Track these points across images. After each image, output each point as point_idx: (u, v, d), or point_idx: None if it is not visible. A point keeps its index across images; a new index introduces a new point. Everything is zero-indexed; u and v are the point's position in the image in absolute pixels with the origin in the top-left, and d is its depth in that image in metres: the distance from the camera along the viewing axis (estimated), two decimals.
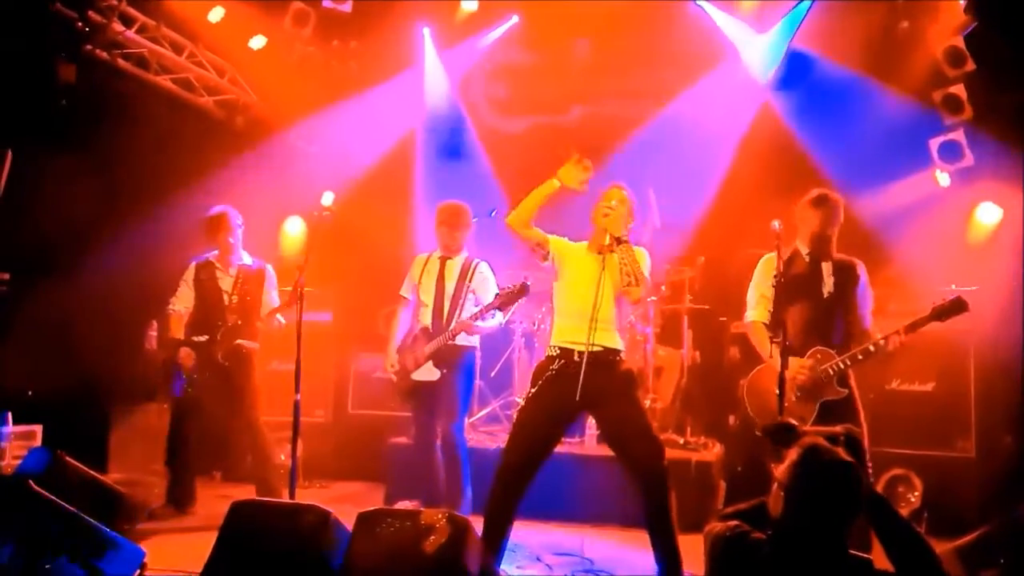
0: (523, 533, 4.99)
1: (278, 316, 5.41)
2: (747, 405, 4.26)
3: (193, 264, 5.56)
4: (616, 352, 3.97)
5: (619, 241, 3.88)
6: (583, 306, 3.91)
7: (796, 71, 6.58)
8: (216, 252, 5.54)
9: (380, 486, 5.89)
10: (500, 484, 3.97)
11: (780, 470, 2.46)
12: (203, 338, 5.39)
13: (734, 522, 2.58)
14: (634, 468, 3.91)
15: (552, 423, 3.97)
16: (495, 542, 3.91)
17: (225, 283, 5.48)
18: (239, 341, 5.38)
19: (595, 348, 3.87)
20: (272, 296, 5.55)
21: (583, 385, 3.84)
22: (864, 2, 6.32)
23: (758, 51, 6.70)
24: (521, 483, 3.95)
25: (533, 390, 3.96)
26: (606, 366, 3.92)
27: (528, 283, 4.51)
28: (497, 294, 4.75)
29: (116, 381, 6.43)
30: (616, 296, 3.97)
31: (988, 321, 5.46)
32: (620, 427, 3.92)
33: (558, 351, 3.96)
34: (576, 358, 3.88)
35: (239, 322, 5.40)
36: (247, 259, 5.59)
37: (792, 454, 2.46)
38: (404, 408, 5.44)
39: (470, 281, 5.06)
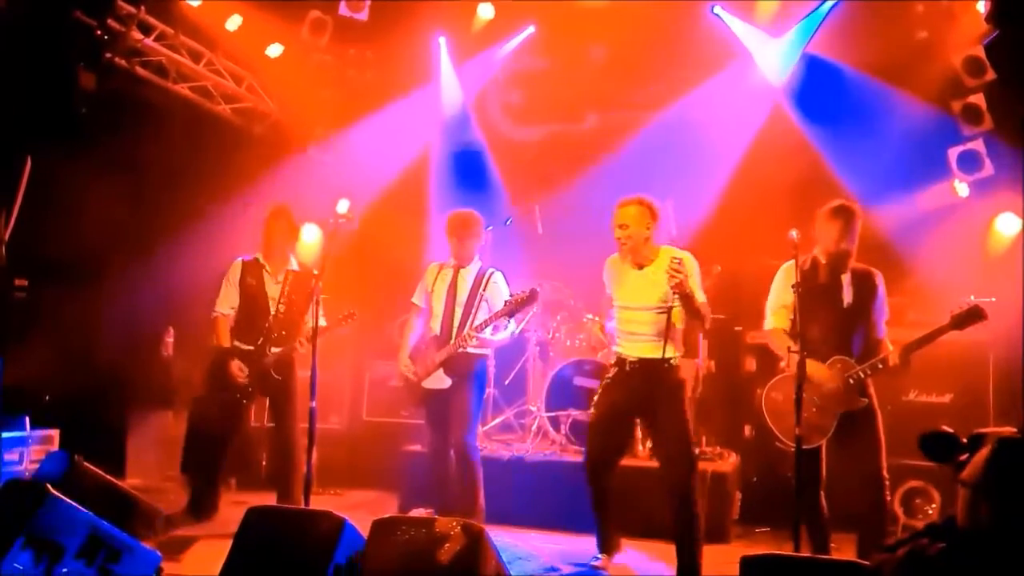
0: (538, 542, 4.99)
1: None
2: (767, 419, 4.23)
3: (239, 262, 5.35)
4: (665, 361, 4.24)
5: (687, 297, 4.08)
6: (635, 318, 4.30)
7: (813, 75, 6.56)
8: (262, 253, 5.36)
9: (394, 493, 5.89)
10: (589, 482, 4.39)
11: (968, 472, 2.25)
12: (250, 347, 5.25)
13: (905, 547, 2.33)
14: (663, 475, 4.26)
15: (615, 424, 4.38)
16: (602, 533, 4.44)
17: (272, 290, 5.30)
18: (287, 350, 5.25)
19: (644, 358, 4.25)
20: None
21: (633, 391, 4.26)
22: (882, 9, 6.31)
23: (773, 55, 6.68)
24: (603, 478, 4.37)
25: (597, 395, 4.44)
26: (654, 374, 4.24)
27: (538, 290, 4.64)
28: (506, 301, 4.76)
29: (133, 387, 6.47)
30: (663, 310, 4.25)
31: (1007, 332, 5.40)
32: (658, 434, 4.34)
33: (615, 359, 4.40)
34: (627, 367, 4.29)
35: (285, 332, 5.26)
36: (294, 263, 5.44)
37: (983, 452, 2.24)
38: (418, 416, 5.43)
39: (484, 290, 5.03)
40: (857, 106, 6.41)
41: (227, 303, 5.32)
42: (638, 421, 4.76)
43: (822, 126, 6.56)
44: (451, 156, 7.57)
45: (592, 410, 4.47)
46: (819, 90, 6.58)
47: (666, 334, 4.20)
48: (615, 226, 4.32)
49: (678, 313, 4.22)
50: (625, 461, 4.85)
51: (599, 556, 4.56)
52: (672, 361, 4.27)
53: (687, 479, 4.17)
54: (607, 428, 4.38)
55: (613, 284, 4.46)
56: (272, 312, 5.28)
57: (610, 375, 4.37)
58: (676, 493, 4.18)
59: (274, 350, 5.24)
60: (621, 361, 4.31)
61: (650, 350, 4.22)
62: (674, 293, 4.05)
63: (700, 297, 4.21)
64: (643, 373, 4.24)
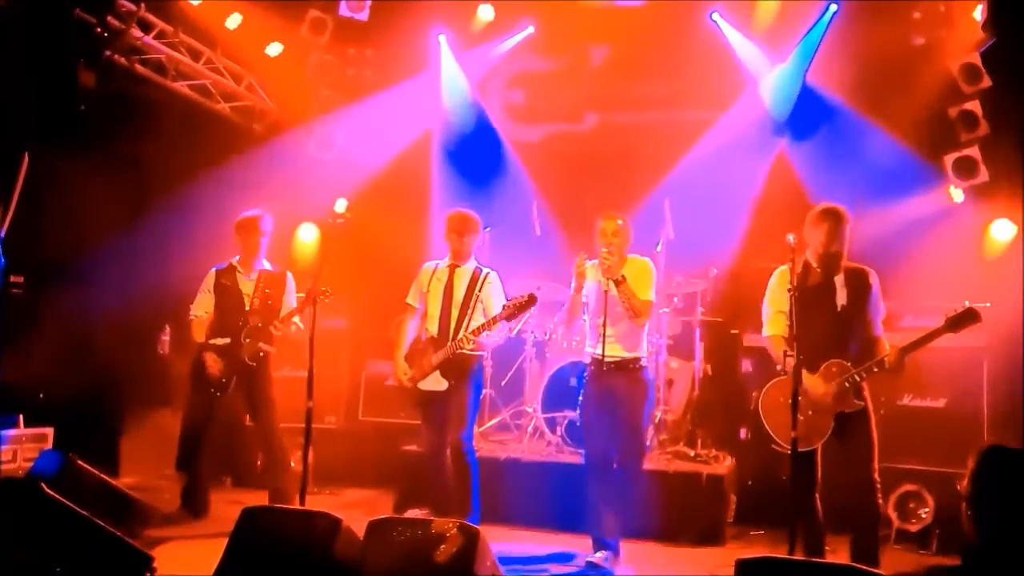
0: (534, 543, 4.99)
1: (296, 320, 5.41)
2: (764, 422, 4.23)
3: (214, 271, 5.56)
4: (632, 360, 4.67)
5: (618, 283, 4.49)
6: (599, 322, 4.55)
7: (809, 113, 6.62)
8: (238, 257, 5.55)
9: (390, 493, 5.88)
10: (591, 482, 4.65)
11: (962, 484, 2.23)
12: (225, 341, 5.37)
13: None
14: (616, 454, 4.67)
15: (602, 418, 4.66)
16: (598, 527, 4.62)
17: (246, 287, 5.49)
18: (261, 344, 5.39)
19: (610, 357, 4.59)
20: (291, 300, 5.52)
21: (607, 386, 4.63)
22: (879, 16, 6.34)
23: (772, 84, 6.73)
24: (604, 476, 4.63)
25: (581, 396, 4.81)
26: (625, 372, 4.65)
27: (536, 295, 4.73)
28: (505, 305, 4.78)
29: (128, 385, 6.46)
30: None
31: (1001, 337, 5.43)
32: (619, 418, 4.63)
33: (590, 359, 4.74)
34: (604, 367, 4.62)
35: (259, 324, 5.40)
36: (267, 265, 5.61)
37: (970, 462, 2.21)
38: (414, 416, 5.43)
39: (479, 291, 5.02)
40: (849, 137, 6.45)
41: (201, 307, 5.50)
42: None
43: (821, 128, 6.59)
44: (450, 155, 7.57)
45: (579, 411, 4.81)
46: (814, 125, 6.62)
47: (633, 334, 4.69)
48: (607, 234, 4.64)
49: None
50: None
51: (595, 554, 4.62)
52: (641, 361, 4.73)
53: (636, 461, 4.80)
54: (597, 424, 4.67)
55: (587, 290, 4.72)
56: (247, 307, 5.43)
57: (587, 375, 4.74)
58: (625, 468, 4.68)
59: (247, 340, 5.35)
60: (597, 361, 4.64)
61: (622, 350, 4.65)
62: (607, 280, 4.48)
63: (644, 296, 4.61)
64: (617, 371, 4.65)
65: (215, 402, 5.37)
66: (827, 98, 6.58)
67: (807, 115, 6.65)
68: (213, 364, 5.29)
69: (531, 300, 4.69)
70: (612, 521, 4.63)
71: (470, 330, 4.89)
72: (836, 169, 6.32)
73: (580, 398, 4.81)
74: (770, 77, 6.73)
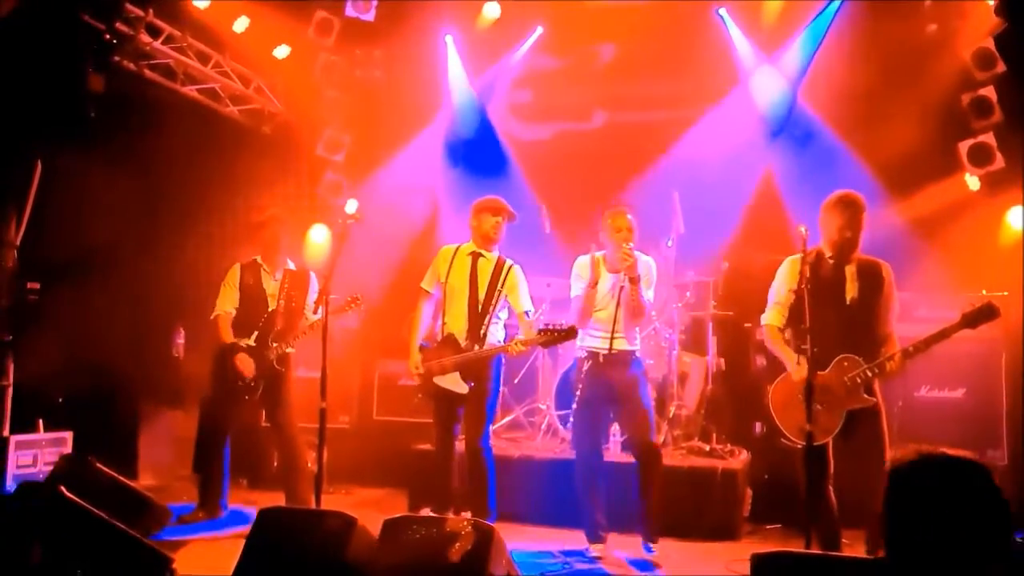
0: (548, 540, 4.98)
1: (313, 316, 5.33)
2: (774, 416, 4.18)
3: (237, 266, 5.48)
4: (631, 352, 4.73)
5: (634, 280, 4.52)
6: (609, 316, 4.62)
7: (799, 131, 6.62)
8: (260, 256, 5.48)
9: (403, 492, 5.89)
10: (581, 472, 4.75)
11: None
12: (251, 342, 5.33)
13: None
14: (630, 440, 4.82)
15: (597, 411, 4.77)
16: (589, 519, 4.73)
17: (271, 287, 5.41)
18: (286, 347, 5.34)
19: (614, 351, 4.63)
20: (313, 300, 5.36)
21: (607, 378, 4.66)
22: (891, 3, 6.28)
23: (771, 84, 6.71)
24: (595, 465, 4.76)
25: (577, 389, 4.72)
26: (624, 363, 4.69)
27: (577, 328, 4.59)
28: (540, 331, 4.56)
29: (144, 387, 6.51)
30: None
31: (1019, 326, 5.36)
32: (627, 410, 4.73)
33: (586, 353, 4.73)
34: (601, 359, 4.66)
35: (283, 327, 5.35)
36: (291, 264, 5.55)
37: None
38: (428, 414, 5.39)
39: (502, 286, 4.82)
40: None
41: (228, 303, 5.41)
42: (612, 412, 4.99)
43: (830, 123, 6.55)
44: (459, 154, 7.57)
45: (575, 405, 4.78)
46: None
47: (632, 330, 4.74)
48: (622, 228, 4.59)
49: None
50: (624, 458, 4.90)
51: (590, 547, 4.66)
52: (637, 352, 4.79)
53: (651, 440, 4.70)
54: (592, 416, 4.74)
55: (591, 282, 4.67)
56: (271, 307, 5.37)
57: (586, 368, 4.71)
58: (642, 452, 4.67)
59: (275, 344, 5.31)
60: (594, 354, 4.69)
61: (625, 343, 4.69)
62: (624, 275, 4.50)
63: (645, 294, 4.61)
64: (617, 362, 4.67)
65: (239, 403, 5.34)
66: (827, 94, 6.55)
67: (806, 119, 6.63)
68: (245, 366, 5.22)
69: (571, 332, 4.52)
70: (605, 512, 4.71)
71: (493, 341, 4.79)
72: (849, 159, 6.28)
73: (577, 392, 4.69)
74: (770, 78, 6.70)
